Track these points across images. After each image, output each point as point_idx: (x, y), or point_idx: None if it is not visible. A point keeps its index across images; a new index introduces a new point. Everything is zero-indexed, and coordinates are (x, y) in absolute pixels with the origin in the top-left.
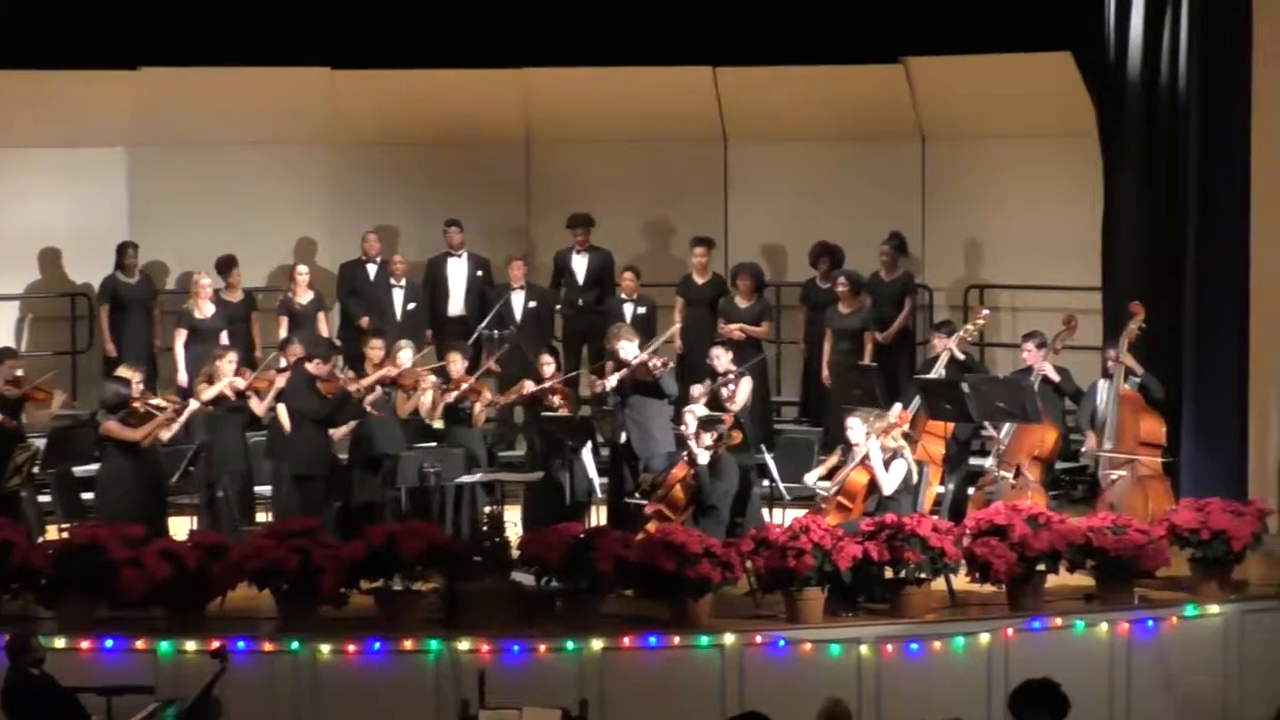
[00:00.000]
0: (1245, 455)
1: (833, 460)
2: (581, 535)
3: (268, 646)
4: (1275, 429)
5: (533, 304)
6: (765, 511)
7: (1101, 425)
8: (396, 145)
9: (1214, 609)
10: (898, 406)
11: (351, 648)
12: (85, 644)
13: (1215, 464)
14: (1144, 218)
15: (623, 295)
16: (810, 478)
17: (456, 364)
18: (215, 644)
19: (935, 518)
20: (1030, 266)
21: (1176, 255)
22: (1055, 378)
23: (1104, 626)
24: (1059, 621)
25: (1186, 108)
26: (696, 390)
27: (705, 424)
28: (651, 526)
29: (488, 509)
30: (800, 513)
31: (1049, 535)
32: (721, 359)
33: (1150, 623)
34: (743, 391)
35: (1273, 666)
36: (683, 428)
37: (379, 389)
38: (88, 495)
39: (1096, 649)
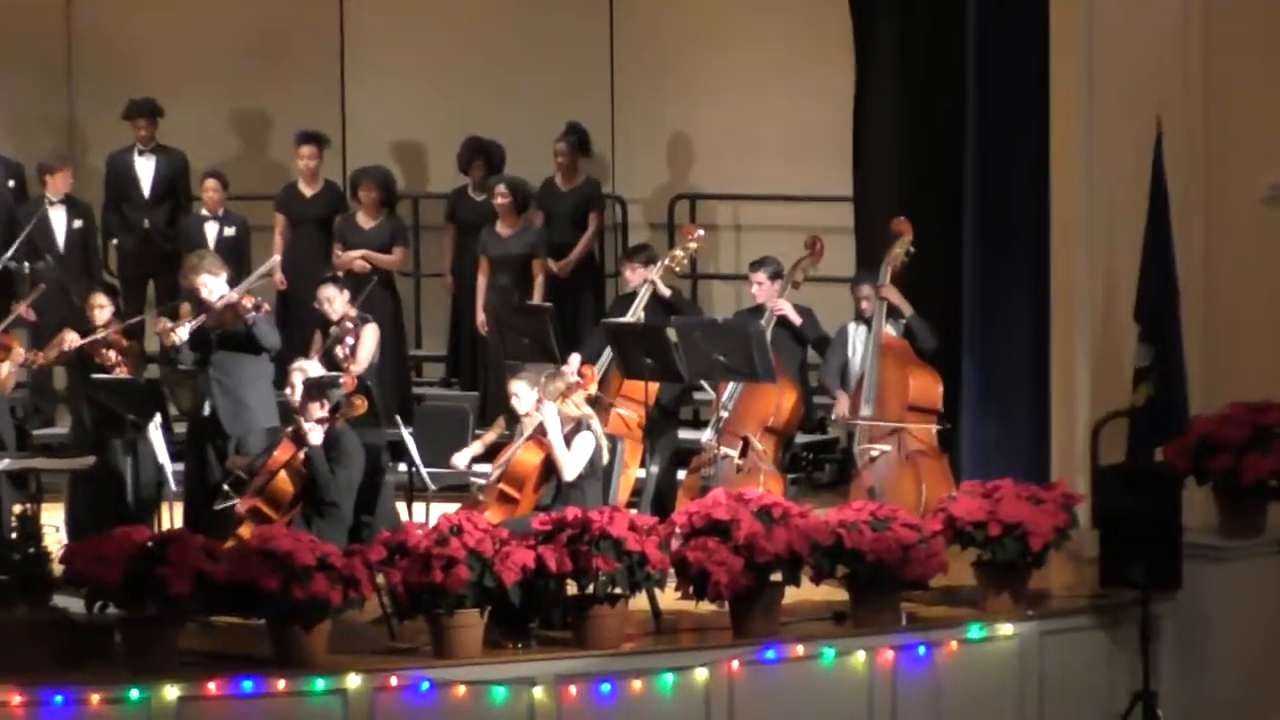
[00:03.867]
0: (1045, 422)
1: (492, 435)
2: (148, 543)
3: None
4: (1084, 387)
5: (78, 224)
6: (402, 507)
7: (857, 384)
8: None
9: (1006, 629)
10: (578, 360)
11: None
12: None
13: (1007, 435)
14: (907, 104)
15: (204, 211)
16: (463, 459)
17: None
18: None
19: (633, 512)
20: (757, 170)
21: (952, 155)
22: (795, 320)
23: (861, 656)
24: (800, 650)
25: None
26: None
27: (317, 389)
28: (246, 530)
29: (17, 508)
30: (451, 508)
31: (786, 534)
32: (335, 301)
33: (922, 649)
34: (366, 344)
35: (1081, 702)
36: (287, 393)
37: None
38: None
39: (851, 685)
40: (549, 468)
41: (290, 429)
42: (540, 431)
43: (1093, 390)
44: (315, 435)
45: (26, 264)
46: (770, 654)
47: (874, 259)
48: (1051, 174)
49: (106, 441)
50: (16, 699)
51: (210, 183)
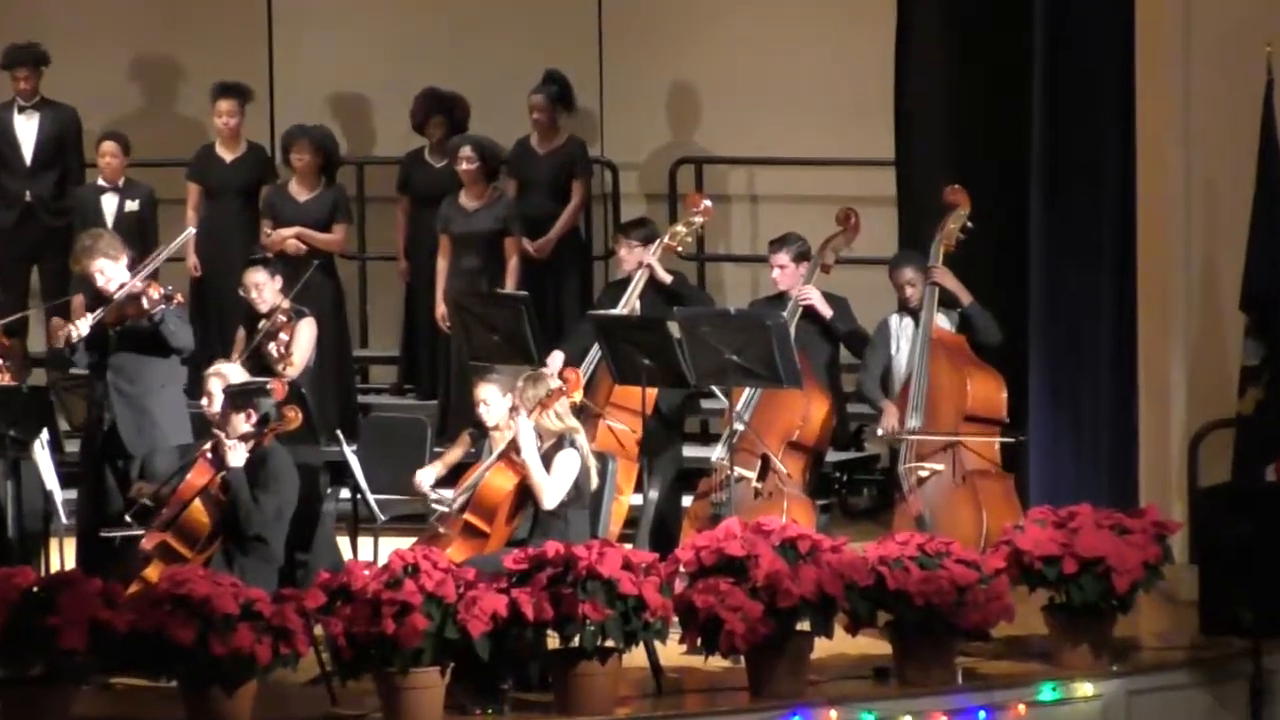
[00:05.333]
0: (1133, 434)
1: (456, 454)
2: (34, 588)
3: None
4: (1180, 391)
5: None
6: (344, 542)
7: (902, 389)
8: None
9: (1086, 688)
10: (560, 360)
11: None
12: None
13: (1085, 450)
14: (961, 44)
15: (100, 181)
16: (426, 479)
17: None
18: None
19: (628, 546)
20: (777, 128)
21: (1016, 109)
22: (825, 311)
23: None
24: (833, 715)
25: None
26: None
27: (240, 398)
28: (153, 571)
29: None
30: (405, 542)
31: (815, 573)
32: (265, 289)
33: (983, 714)
34: (302, 343)
35: None
36: (203, 403)
37: None
38: None
39: None
40: (525, 493)
41: (207, 447)
42: (514, 449)
43: (1190, 395)
44: (237, 455)
45: None
46: None
47: (922, 236)
48: (1138, 130)
49: None
50: None
51: (108, 146)
